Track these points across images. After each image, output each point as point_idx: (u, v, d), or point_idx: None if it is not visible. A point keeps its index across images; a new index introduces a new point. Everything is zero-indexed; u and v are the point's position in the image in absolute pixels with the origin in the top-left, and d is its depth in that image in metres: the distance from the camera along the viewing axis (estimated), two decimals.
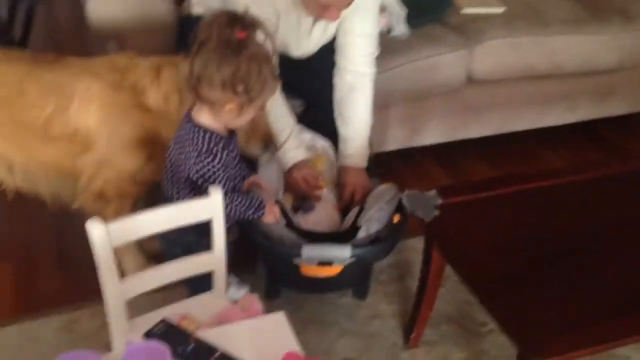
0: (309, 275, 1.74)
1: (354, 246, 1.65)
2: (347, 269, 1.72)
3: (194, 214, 1.46)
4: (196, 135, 1.56)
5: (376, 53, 2.06)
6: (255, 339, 1.38)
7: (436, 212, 1.61)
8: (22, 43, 2.62)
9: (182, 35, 2.15)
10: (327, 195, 1.98)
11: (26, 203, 2.01)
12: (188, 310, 1.51)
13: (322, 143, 2.10)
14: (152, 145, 1.76)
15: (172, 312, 1.49)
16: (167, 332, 1.39)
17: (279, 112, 1.97)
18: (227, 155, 1.57)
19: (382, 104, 2.43)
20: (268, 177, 1.96)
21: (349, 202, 1.95)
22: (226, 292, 1.89)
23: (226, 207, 1.56)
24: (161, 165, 1.66)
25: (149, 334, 1.38)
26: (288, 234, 1.69)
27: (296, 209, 1.93)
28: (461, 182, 2.34)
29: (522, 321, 1.38)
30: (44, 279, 2.09)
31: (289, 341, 1.36)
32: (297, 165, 1.96)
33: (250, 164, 1.86)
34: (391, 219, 1.76)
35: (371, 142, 2.13)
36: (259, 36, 1.51)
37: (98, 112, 1.72)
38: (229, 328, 1.41)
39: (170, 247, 1.67)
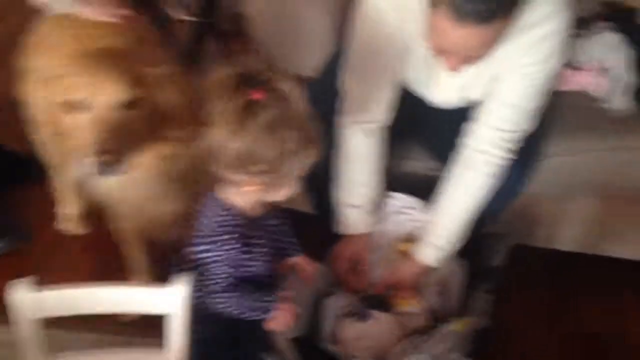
0: None
1: None
2: None
3: (151, 304, 1.18)
4: (210, 207, 1.25)
5: (519, 133, 1.47)
6: None
7: None
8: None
9: None
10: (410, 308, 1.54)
11: None
12: None
13: (419, 218, 1.62)
14: None
15: None
16: None
17: (360, 169, 1.54)
18: (236, 248, 1.23)
19: (562, 191, 1.83)
20: None
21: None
22: None
23: (217, 304, 1.26)
24: None
25: None
26: (289, 353, 1.30)
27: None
28: None
29: None
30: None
31: None
32: (352, 238, 1.56)
33: None
34: None
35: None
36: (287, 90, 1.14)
37: None
38: None
39: None
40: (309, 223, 1.58)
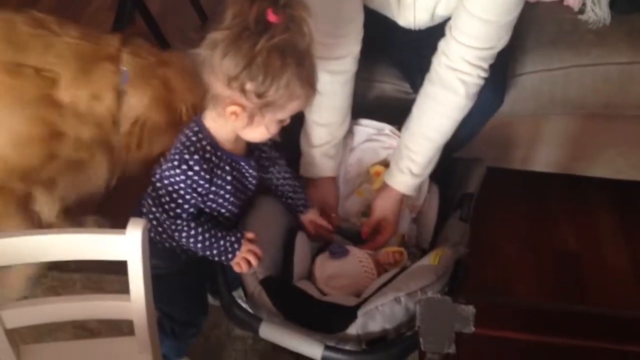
0: None
1: (329, 348, 1.15)
2: None
3: (103, 251, 1.09)
4: (187, 130, 1.20)
5: (494, 50, 1.36)
6: None
7: (451, 350, 1.03)
8: None
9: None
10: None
11: None
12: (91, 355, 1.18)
13: (392, 144, 1.55)
14: (55, 143, 1.39)
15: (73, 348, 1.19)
16: None
17: (330, 104, 1.44)
18: (204, 177, 1.17)
19: (539, 110, 1.75)
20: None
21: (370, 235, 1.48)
22: None
23: (179, 233, 1.21)
24: (64, 167, 1.37)
25: None
26: (260, 295, 1.23)
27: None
28: (521, 305, 1.57)
29: None
30: None
31: None
32: (316, 182, 1.49)
33: None
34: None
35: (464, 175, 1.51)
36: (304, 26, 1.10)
37: None
38: None
39: None
40: None
